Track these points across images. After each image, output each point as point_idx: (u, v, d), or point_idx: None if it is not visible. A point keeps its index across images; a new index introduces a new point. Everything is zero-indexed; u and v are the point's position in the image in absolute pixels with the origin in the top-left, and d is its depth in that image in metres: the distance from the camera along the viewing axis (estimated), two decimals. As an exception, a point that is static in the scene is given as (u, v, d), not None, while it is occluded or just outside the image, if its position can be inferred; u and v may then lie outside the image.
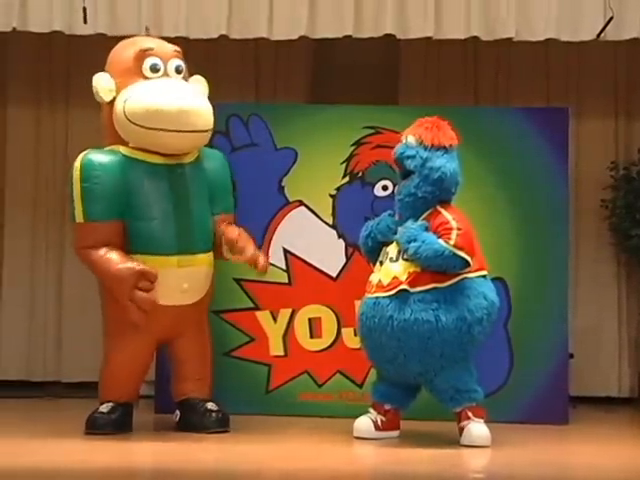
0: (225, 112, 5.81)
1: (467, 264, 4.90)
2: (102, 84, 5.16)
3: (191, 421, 5.19)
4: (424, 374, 4.98)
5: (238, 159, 5.72)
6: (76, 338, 6.56)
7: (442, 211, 5.00)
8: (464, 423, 4.97)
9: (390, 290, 4.93)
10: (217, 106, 5.82)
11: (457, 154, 5.11)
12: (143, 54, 5.17)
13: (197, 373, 5.25)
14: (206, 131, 5.19)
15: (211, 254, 5.27)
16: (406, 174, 5.07)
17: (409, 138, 5.07)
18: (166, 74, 5.20)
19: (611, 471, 4.63)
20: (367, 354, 5.13)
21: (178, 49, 5.31)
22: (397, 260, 4.98)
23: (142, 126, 5.05)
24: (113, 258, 4.99)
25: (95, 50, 6.21)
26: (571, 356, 5.96)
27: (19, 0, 5.79)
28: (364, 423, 5.11)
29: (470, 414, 4.97)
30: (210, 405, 5.21)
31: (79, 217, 5.04)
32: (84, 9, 5.57)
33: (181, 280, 5.12)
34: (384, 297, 4.93)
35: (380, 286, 4.97)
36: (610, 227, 6.53)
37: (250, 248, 5.23)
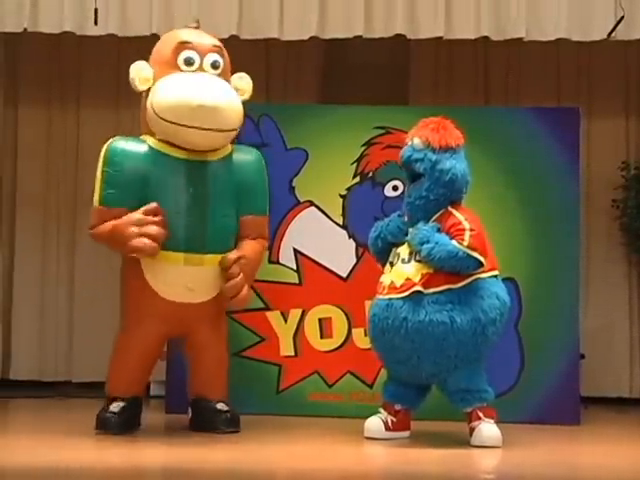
0: (235, 112, 5.82)
1: (481, 264, 4.90)
2: (139, 72, 5.12)
3: (201, 421, 5.19)
4: (437, 375, 4.98)
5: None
6: (87, 338, 6.58)
7: (453, 212, 4.99)
8: (475, 423, 4.96)
9: (403, 291, 4.92)
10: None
11: (464, 153, 5.09)
12: (181, 47, 5.12)
13: (209, 373, 5.22)
14: (228, 130, 5.10)
15: None
16: (414, 176, 5.05)
17: (415, 140, 5.04)
18: (201, 68, 5.12)
19: (623, 472, 4.61)
20: (378, 355, 5.12)
21: (219, 44, 5.23)
22: (409, 261, 4.97)
23: (164, 119, 5.02)
24: (115, 222, 4.98)
25: (106, 51, 6.25)
26: (582, 356, 5.94)
27: (30, 1, 5.81)
28: (374, 423, 5.10)
29: (481, 414, 4.96)
30: (220, 405, 5.19)
31: (95, 200, 5.05)
32: (95, 10, 5.57)
33: (187, 278, 5.06)
34: (397, 299, 4.92)
35: (393, 287, 4.96)
36: (621, 227, 6.52)
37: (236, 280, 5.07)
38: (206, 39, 5.21)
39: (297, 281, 5.81)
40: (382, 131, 5.78)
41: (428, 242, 4.88)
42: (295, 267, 5.81)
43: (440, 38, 5.86)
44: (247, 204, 5.21)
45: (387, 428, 5.09)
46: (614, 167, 6.52)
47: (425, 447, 4.98)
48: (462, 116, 5.76)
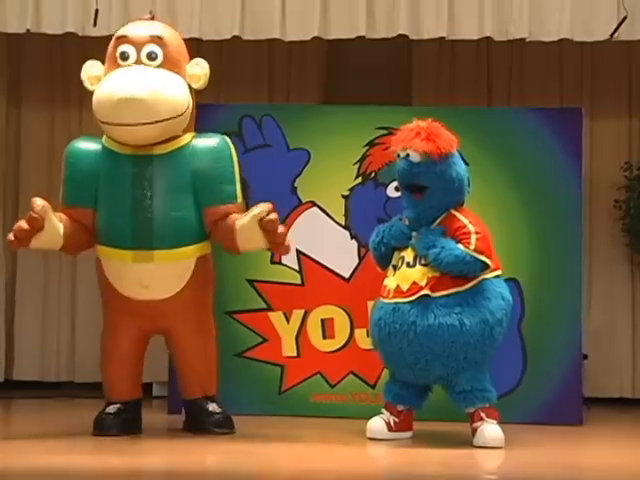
0: (238, 113, 5.82)
1: (487, 267, 4.91)
2: (87, 71, 5.09)
3: (194, 422, 5.17)
4: (444, 377, 4.97)
5: (251, 160, 5.72)
6: (89, 339, 6.56)
7: (457, 215, 4.98)
8: (477, 424, 4.96)
9: (410, 295, 4.91)
10: (230, 107, 5.85)
11: (459, 152, 5.05)
12: (118, 41, 5.04)
13: (193, 371, 5.16)
14: (156, 122, 4.86)
15: (184, 250, 4.99)
16: (414, 187, 4.97)
17: (411, 154, 4.92)
18: (139, 61, 4.98)
19: (626, 472, 4.60)
20: (384, 359, 5.10)
21: (159, 34, 5.01)
22: (415, 265, 4.95)
23: (98, 119, 5.00)
24: None
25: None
26: (585, 357, 5.94)
27: (33, 2, 5.82)
28: (377, 424, 5.10)
29: (483, 415, 4.96)
30: (212, 407, 5.14)
31: (60, 199, 5.08)
32: (96, 12, 5.57)
33: (138, 275, 4.96)
34: (404, 303, 4.91)
35: (399, 291, 4.94)
36: (624, 228, 6.51)
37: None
38: (144, 30, 5.02)
39: (299, 282, 5.81)
40: (385, 131, 5.77)
41: (434, 247, 4.87)
42: (297, 268, 5.81)
43: (443, 38, 5.86)
44: (212, 194, 5.00)
45: (389, 429, 5.09)
46: (617, 167, 6.52)
47: (427, 447, 4.98)
48: (465, 116, 5.78)
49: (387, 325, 4.93)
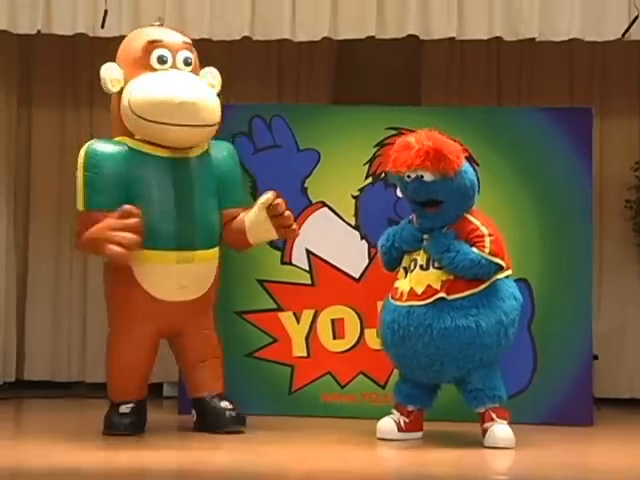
0: (248, 113, 5.82)
1: (502, 269, 4.94)
2: (110, 74, 5.13)
3: (207, 421, 5.19)
4: (458, 377, 4.99)
5: (261, 160, 5.73)
6: (100, 339, 6.55)
7: (468, 217, 4.98)
8: (487, 424, 4.96)
9: (426, 299, 4.90)
10: (240, 107, 5.84)
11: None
12: (151, 46, 5.12)
13: (207, 369, 5.23)
14: (210, 125, 5.10)
15: (214, 250, 5.19)
16: (431, 203, 4.95)
17: (425, 175, 4.86)
18: (174, 66, 5.14)
19: (637, 473, 4.60)
20: (395, 360, 5.10)
21: (188, 40, 5.27)
22: (428, 268, 4.95)
23: (145, 119, 5.01)
24: (94, 228, 4.93)
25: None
26: (595, 357, 5.93)
27: (43, 3, 5.83)
28: (387, 424, 5.10)
29: (494, 415, 4.96)
30: (225, 404, 5.20)
31: (80, 205, 5.03)
32: (105, 12, 5.58)
33: (180, 276, 5.06)
34: (420, 306, 4.90)
35: (413, 294, 4.93)
36: (634, 227, 6.49)
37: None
38: (176, 37, 5.23)
39: (309, 282, 5.81)
40: (395, 132, 5.76)
41: (449, 251, 4.87)
42: (308, 268, 5.81)
43: (453, 39, 5.85)
44: (228, 197, 5.26)
45: (400, 429, 5.09)
46: (627, 167, 6.50)
47: (438, 448, 4.98)
48: (475, 116, 5.78)
49: (401, 328, 4.93)
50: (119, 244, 4.85)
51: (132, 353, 5.10)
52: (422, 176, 4.88)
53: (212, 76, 5.28)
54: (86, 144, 5.13)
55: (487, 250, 4.87)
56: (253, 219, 5.15)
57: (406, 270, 5.04)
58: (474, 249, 4.88)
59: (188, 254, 5.07)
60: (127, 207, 4.90)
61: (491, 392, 4.97)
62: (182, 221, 5.05)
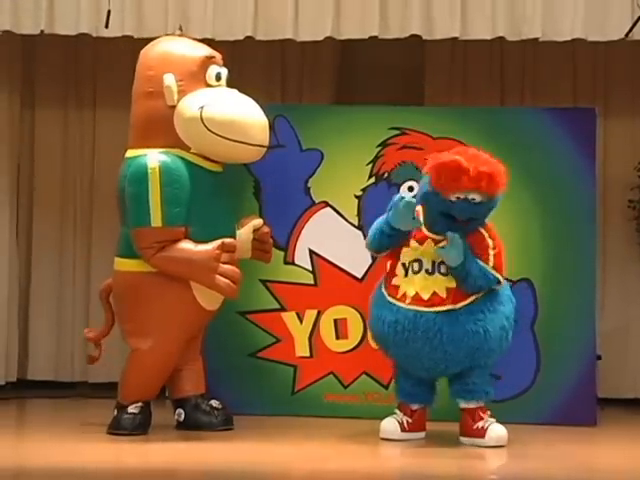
0: (251, 113, 5.82)
1: (499, 283, 4.99)
2: (174, 85, 5.14)
3: (198, 420, 5.24)
4: (456, 374, 5.01)
5: (264, 160, 5.71)
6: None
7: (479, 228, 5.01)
8: (481, 423, 4.97)
9: (432, 306, 4.90)
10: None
11: None
12: (208, 61, 5.22)
13: (191, 371, 5.32)
14: (267, 146, 5.30)
15: None
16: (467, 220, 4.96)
17: (476, 198, 4.83)
18: (222, 83, 5.28)
19: None
20: (397, 361, 5.09)
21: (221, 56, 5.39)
22: (433, 272, 4.95)
23: (222, 136, 5.07)
24: (187, 246, 5.03)
25: (121, 52, 6.27)
26: (599, 357, 5.92)
27: (46, 3, 5.83)
28: (390, 424, 5.10)
29: (482, 414, 4.98)
30: (215, 403, 5.28)
31: (156, 221, 5.00)
32: (108, 13, 5.59)
33: None
34: (428, 312, 4.89)
35: (419, 299, 4.92)
36: (637, 227, 6.48)
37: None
38: (216, 52, 5.34)
39: (312, 282, 5.81)
40: (397, 132, 5.77)
41: (464, 257, 4.86)
42: (310, 268, 5.81)
43: (456, 39, 5.85)
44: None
45: (403, 429, 5.09)
46: (631, 167, 6.49)
47: (439, 448, 4.99)
48: (478, 116, 5.78)
49: (406, 331, 4.91)
50: (231, 278, 5.05)
51: (167, 358, 5.15)
52: (473, 198, 4.86)
53: None
54: (150, 158, 5.05)
55: (490, 264, 4.93)
56: (242, 236, 5.29)
57: (406, 269, 5.02)
58: (482, 265, 4.91)
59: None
60: (229, 241, 5.07)
61: (483, 389, 5.01)
62: (228, 232, 5.16)
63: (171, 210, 5.00)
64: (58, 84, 6.76)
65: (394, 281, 5.04)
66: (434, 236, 4.99)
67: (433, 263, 4.96)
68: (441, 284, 4.92)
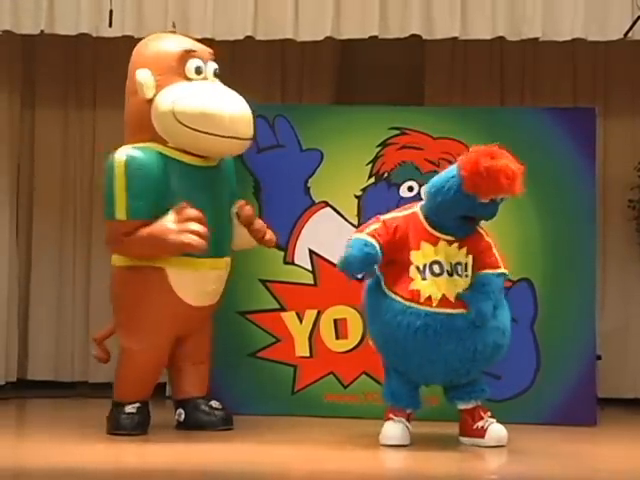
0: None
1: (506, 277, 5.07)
2: (146, 80, 5.14)
3: (198, 420, 5.24)
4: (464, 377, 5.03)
5: (264, 160, 5.74)
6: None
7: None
8: (481, 423, 4.96)
9: (462, 307, 4.86)
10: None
11: None
12: (187, 55, 5.18)
13: (200, 372, 5.30)
14: (249, 139, 5.22)
15: (231, 257, 5.33)
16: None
17: (506, 196, 4.85)
18: (206, 76, 5.22)
19: None
20: (408, 368, 4.96)
21: (212, 51, 5.33)
22: (452, 275, 4.92)
23: (193, 128, 5.05)
24: (145, 227, 4.96)
25: (122, 52, 6.26)
26: (599, 357, 5.92)
27: (46, 3, 5.83)
28: (399, 430, 4.96)
29: (483, 414, 4.97)
30: (215, 404, 5.28)
31: (121, 214, 5.00)
32: (110, 12, 5.59)
33: (210, 283, 5.18)
34: (458, 313, 4.86)
35: (446, 302, 4.86)
36: (637, 227, 6.48)
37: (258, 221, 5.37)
38: (203, 46, 5.31)
39: (312, 282, 5.81)
40: (397, 132, 5.78)
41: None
42: (310, 268, 5.81)
43: (455, 38, 5.85)
44: (234, 196, 5.41)
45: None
46: (630, 167, 6.49)
47: (440, 448, 4.99)
48: (478, 116, 5.78)
49: (438, 334, 4.82)
50: (197, 234, 4.90)
51: (154, 355, 5.13)
52: (502, 198, 4.88)
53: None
54: (119, 152, 5.07)
55: (498, 262, 4.95)
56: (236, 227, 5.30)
57: (421, 271, 4.93)
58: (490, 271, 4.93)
59: (220, 260, 5.19)
60: (182, 204, 4.96)
61: (480, 388, 5.02)
62: (215, 229, 5.09)
63: (135, 203, 4.98)
64: (58, 84, 6.77)
65: (412, 285, 4.90)
66: (445, 237, 4.95)
67: (451, 264, 4.94)
68: (463, 285, 4.91)
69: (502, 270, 4.97)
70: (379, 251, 4.87)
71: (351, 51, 6.63)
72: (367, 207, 5.78)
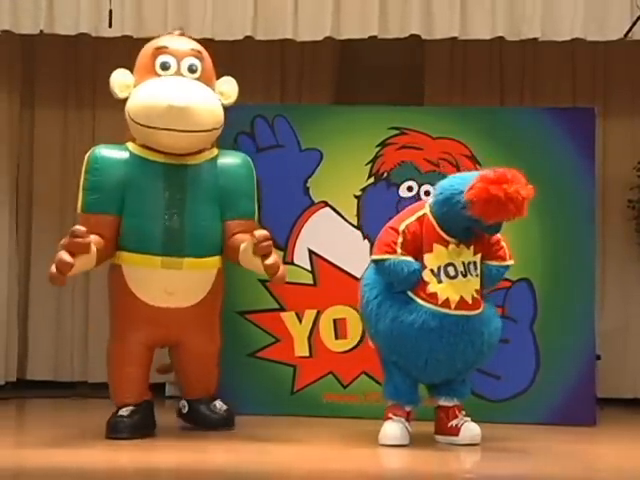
0: (250, 113, 5.83)
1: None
2: (117, 80, 5.17)
3: (199, 418, 5.25)
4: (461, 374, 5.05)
5: (263, 160, 5.73)
6: (103, 339, 6.54)
7: None
8: (455, 421, 4.96)
9: (476, 308, 4.88)
10: (242, 107, 5.84)
11: None
12: (157, 52, 5.17)
13: (201, 377, 5.27)
14: (202, 131, 5.06)
15: (212, 259, 5.13)
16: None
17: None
18: (179, 73, 5.15)
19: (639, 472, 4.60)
20: (413, 366, 4.93)
21: (199, 49, 5.27)
22: (466, 275, 4.92)
23: (139, 123, 5.06)
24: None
25: (121, 52, 6.26)
26: (598, 357, 5.92)
27: (46, 3, 5.84)
28: (399, 429, 4.96)
29: (457, 412, 4.97)
30: (219, 404, 5.27)
31: (79, 208, 5.10)
32: (110, 12, 5.59)
33: (166, 282, 5.04)
34: (474, 315, 4.87)
35: (464, 303, 4.86)
36: (637, 227, 6.48)
37: (274, 255, 4.97)
38: (184, 44, 5.26)
39: (312, 282, 5.82)
40: (397, 132, 5.78)
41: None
42: (310, 268, 5.82)
43: (455, 38, 5.85)
44: (231, 208, 5.17)
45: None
46: (630, 167, 6.49)
47: (440, 448, 4.98)
48: (477, 116, 5.78)
49: (453, 335, 4.82)
50: (56, 264, 4.78)
51: (126, 358, 5.11)
52: (509, 219, 4.91)
53: (229, 85, 5.30)
54: (92, 148, 5.18)
55: (507, 254, 5.00)
56: (245, 251, 4.96)
57: (436, 274, 4.89)
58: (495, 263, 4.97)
59: (176, 260, 5.03)
60: (76, 227, 4.84)
61: (465, 387, 5.03)
62: (171, 226, 5.03)
63: (89, 197, 5.05)
64: (57, 84, 6.77)
65: (429, 289, 4.87)
66: (452, 240, 4.93)
67: (463, 264, 4.93)
68: (476, 285, 4.92)
69: (509, 262, 5.02)
70: (416, 264, 4.89)
71: (351, 51, 6.63)
72: (366, 207, 5.79)
